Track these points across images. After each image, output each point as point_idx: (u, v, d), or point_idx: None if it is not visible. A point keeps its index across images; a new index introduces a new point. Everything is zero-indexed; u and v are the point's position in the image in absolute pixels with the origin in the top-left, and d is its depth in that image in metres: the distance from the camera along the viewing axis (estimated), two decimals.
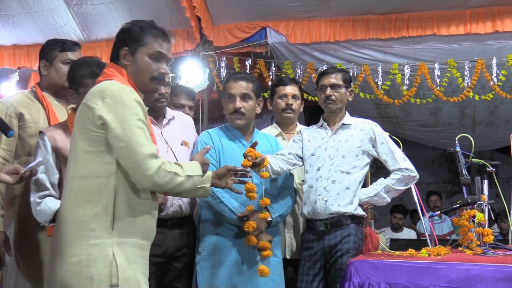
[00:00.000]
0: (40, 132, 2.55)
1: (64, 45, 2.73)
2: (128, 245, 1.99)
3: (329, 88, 3.14)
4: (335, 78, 3.16)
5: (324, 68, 5.69)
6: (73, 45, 2.76)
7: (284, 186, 3.09)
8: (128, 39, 2.13)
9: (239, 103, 2.97)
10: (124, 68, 2.13)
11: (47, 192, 2.47)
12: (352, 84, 3.38)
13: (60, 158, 2.49)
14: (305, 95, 5.61)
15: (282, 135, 3.52)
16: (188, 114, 3.51)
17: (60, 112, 2.69)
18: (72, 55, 2.73)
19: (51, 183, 2.48)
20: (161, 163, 1.99)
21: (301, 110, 3.62)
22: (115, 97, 1.97)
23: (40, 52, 2.80)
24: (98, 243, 1.94)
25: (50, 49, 2.72)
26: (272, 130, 3.55)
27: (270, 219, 2.89)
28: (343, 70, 3.28)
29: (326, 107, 3.19)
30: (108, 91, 1.99)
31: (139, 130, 1.97)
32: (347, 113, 3.21)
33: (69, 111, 2.74)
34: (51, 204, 2.42)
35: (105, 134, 1.97)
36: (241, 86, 2.99)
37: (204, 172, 2.26)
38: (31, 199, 2.45)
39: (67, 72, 2.61)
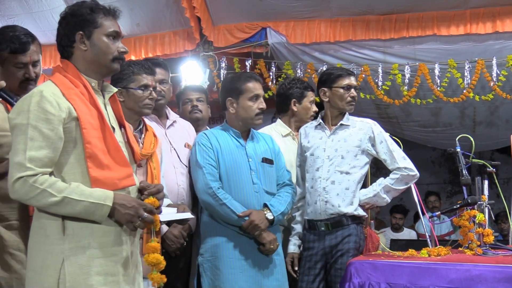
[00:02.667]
0: None
1: (14, 45, 2.33)
2: (81, 249, 1.91)
3: (353, 89, 3.14)
4: (355, 81, 3.20)
5: (325, 68, 5.71)
6: (24, 44, 2.36)
7: (282, 184, 3.09)
8: (81, 22, 1.99)
9: (264, 104, 3.04)
10: (80, 56, 2.00)
11: None
12: None
13: None
14: None
15: (292, 135, 3.53)
16: (197, 107, 3.49)
17: None
18: (25, 58, 2.36)
19: None
20: (26, 175, 1.82)
21: None
22: (19, 102, 1.92)
23: None
24: (50, 250, 1.90)
25: (0, 50, 2.33)
26: (281, 129, 3.55)
27: (272, 217, 2.89)
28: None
29: (346, 107, 3.16)
30: (22, 98, 1.95)
31: (21, 136, 1.85)
32: (346, 113, 3.21)
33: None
34: None
35: None
36: (261, 87, 3.06)
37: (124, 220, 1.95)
38: None
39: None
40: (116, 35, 2.05)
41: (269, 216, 2.89)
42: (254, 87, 3.01)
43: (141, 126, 2.66)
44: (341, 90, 3.11)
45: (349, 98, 3.12)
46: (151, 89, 2.60)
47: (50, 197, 1.84)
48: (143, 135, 2.64)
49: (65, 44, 2.02)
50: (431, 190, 7.33)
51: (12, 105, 2.23)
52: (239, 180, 2.93)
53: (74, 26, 2.00)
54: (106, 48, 2.01)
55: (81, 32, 1.99)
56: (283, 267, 3.03)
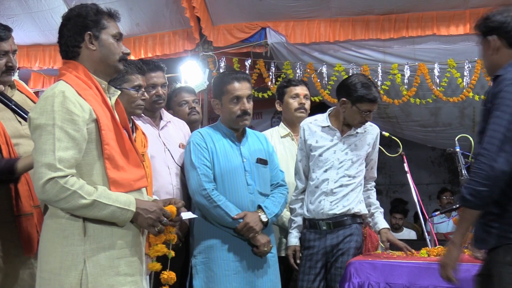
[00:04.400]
0: None
1: None
2: (102, 250, 1.93)
3: (369, 112, 3.01)
4: (376, 107, 3.03)
5: (324, 68, 5.71)
6: (5, 33, 2.35)
7: (276, 184, 3.08)
8: (88, 23, 2.03)
9: (247, 105, 2.95)
10: (86, 56, 2.03)
11: None
12: None
13: None
14: None
15: (291, 135, 3.53)
16: (195, 109, 3.51)
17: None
18: (5, 45, 2.34)
19: None
20: (57, 176, 1.83)
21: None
22: (40, 103, 1.92)
23: None
24: (70, 251, 1.91)
25: None
26: (280, 130, 3.55)
27: (266, 219, 2.89)
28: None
29: (356, 125, 3.09)
30: (40, 97, 1.95)
31: (48, 137, 1.86)
32: None
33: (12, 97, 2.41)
34: None
35: None
36: (246, 87, 2.97)
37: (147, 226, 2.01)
38: None
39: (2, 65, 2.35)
40: (119, 37, 2.09)
41: (264, 218, 2.89)
42: (235, 88, 2.94)
43: (130, 125, 2.66)
44: (361, 112, 3.00)
45: (362, 120, 3.04)
46: (143, 89, 2.60)
47: (81, 199, 1.86)
48: (134, 134, 2.64)
49: (71, 44, 2.04)
50: (446, 187, 7.35)
51: (10, 108, 2.21)
52: (234, 181, 2.91)
53: (82, 26, 2.03)
54: (114, 48, 2.06)
55: (89, 32, 2.02)
56: (277, 267, 3.03)
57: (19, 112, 2.18)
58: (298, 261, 3.13)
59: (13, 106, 2.16)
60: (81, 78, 2.00)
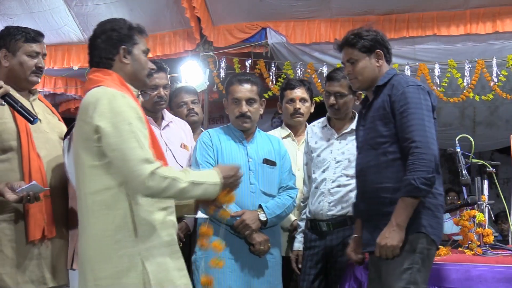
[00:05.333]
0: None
1: (29, 35, 2.47)
2: (155, 248, 1.98)
3: (332, 96, 3.09)
4: (340, 86, 3.09)
5: (325, 68, 5.71)
6: (38, 35, 2.50)
7: (285, 187, 3.07)
8: (123, 37, 2.10)
9: (245, 108, 2.95)
10: (118, 68, 2.09)
11: None
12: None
13: None
14: None
15: (291, 136, 3.53)
16: (193, 110, 3.51)
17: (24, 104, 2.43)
18: (38, 47, 2.48)
19: None
20: (155, 168, 1.90)
21: (312, 110, 3.60)
22: (104, 106, 1.93)
23: (0, 41, 2.48)
24: (125, 253, 1.94)
25: (14, 39, 2.44)
26: (281, 131, 3.56)
27: (265, 219, 2.88)
28: None
29: (330, 114, 3.19)
30: (98, 101, 1.95)
31: (130, 135, 1.91)
32: (356, 118, 3.16)
33: (32, 103, 2.54)
34: None
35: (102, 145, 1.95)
36: (247, 90, 2.97)
37: (232, 186, 2.14)
38: None
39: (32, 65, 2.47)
40: (147, 53, 2.19)
41: (262, 217, 2.88)
42: (236, 90, 2.96)
43: None
44: (328, 95, 3.11)
45: (330, 103, 3.10)
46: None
47: (180, 183, 1.94)
48: None
49: (105, 56, 2.09)
50: (451, 187, 7.35)
51: (16, 109, 2.22)
52: None
53: (117, 40, 2.09)
54: (144, 63, 2.15)
55: (124, 47, 2.09)
56: (278, 269, 3.00)
57: (24, 114, 2.19)
58: (300, 266, 3.14)
59: (19, 108, 2.17)
60: (118, 85, 2.05)
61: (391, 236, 2.26)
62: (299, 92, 3.49)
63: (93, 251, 1.98)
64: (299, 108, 3.47)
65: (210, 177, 2.04)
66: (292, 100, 3.48)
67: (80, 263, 2.05)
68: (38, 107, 2.58)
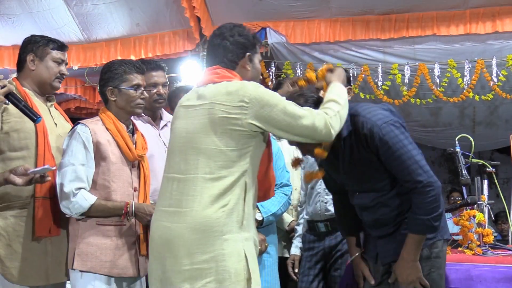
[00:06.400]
0: (79, 122, 2.50)
1: (57, 44, 2.67)
2: (250, 240, 2.05)
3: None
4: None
5: None
6: (64, 45, 2.72)
7: (279, 185, 3.06)
8: (248, 45, 2.21)
9: None
10: (239, 72, 2.18)
11: (83, 185, 2.42)
12: (351, 84, 3.36)
13: (100, 153, 2.46)
14: None
15: None
16: None
17: (41, 108, 2.57)
18: (63, 56, 2.68)
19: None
20: (324, 115, 2.03)
21: None
22: (259, 98, 2.02)
23: (28, 45, 2.65)
24: (230, 238, 1.98)
25: (43, 45, 2.63)
26: None
27: (261, 218, 2.87)
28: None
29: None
30: (249, 95, 2.02)
31: (292, 105, 2.05)
32: None
33: (50, 108, 2.66)
34: (88, 197, 2.40)
35: (258, 133, 2.03)
36: None
37: None
38: (65, 188, 2.39)
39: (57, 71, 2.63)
40: (260, 62, 2.32)
41: (258, 216, 2.86)
42: None
43: (131, 127, 2.66)
44: None
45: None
46: (142, 88, 2.60)
47: (342, 111, 2.09)
48: (135, 136, 2.64)
49: (231, 58, 2.19)
50: (454, 187, 7.35)
51: (19, 108, 2.22)
52: None
53: (245, 46, 2.21)
54: (259, 72, 2.31)
55: (249, 53, 2.21)
56: (275, 268, 3.00)
57: (28, 112, 2.21)
58: (296, 270, 3.13)
59: (23, 107, 2.19)
60: None
61: (412, 271, 2.19)
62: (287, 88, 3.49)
63: (195, 234, 1.97)
64: None
65: (344, 91, 2.17)
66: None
67: (163, 249, 2.03)
68: (54, 112, 2.70)
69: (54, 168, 2.35)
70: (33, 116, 2.22)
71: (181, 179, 2.06)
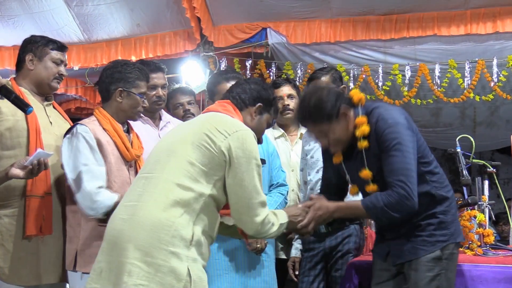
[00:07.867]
0: (77, 123, 2.49)
1: (57, 44, 2.67)
2: (199, 262, 2.00)
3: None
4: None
5: None
6: (64, 46, 2.71)
7: (276, 184, 3.06)
8: (264, 100, 2.31)
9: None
10: (245, 115, 2.27)
11: (102, 183, 2.40)
12: (343, 83, 3.35)
13: (102, 153, 2.45)
14: None
15: (285, 136, 3.52)
16: (189, 111, 3.50)
17: (36, 106, 2.53)
18: (62, 57, 2.67)
19: None
20: (268, 214, 2.10)
21: None
22: (243, 139, 2.07)
23: (27, 45, 2.64)
24: (176, 253, 1.92)
25: (42, 45, 2.62)
26: (274, 132, 3.55)
27: None
28: (330, 70, 3.23)
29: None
30: (237, 131, 2.07)
31: (258, 177, 2.09)
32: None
33: (46, 107, 2.65)
34: (110, 195, 2.37)
35: (225, 166, 2.05)
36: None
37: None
38: (86, 189, 2.35)
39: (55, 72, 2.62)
40: None
41: None
42: (225, 88, 2.88)
43: (126, 127, 2.66)
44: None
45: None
46: (145, 96, 2.63)
47: (274, 227, 2.16)
48: (131, 135, 2.64)
49: (243, 101, 2.30)
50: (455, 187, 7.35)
51: (10, 99, 2.23)
52: None
53: (258, 98, 2.31)
54: (263, 130, 2.38)
55: (260, 104, 2.30)
56: (272, 268, 3.00)
57: (18, 103, 2.22)
58: (297, 272, 3.13)
59: (13, 98, 2.20)
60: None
61: (324, 220, 2.38)
62: (286, 90, 3.49)
63: (146, 234, 1.93)
64: (288, 104, 3.46)
65: (285, 218, 2.23)
66: (281, 98, 3.48)
67: (112, 240, 1.99)
68: (51, 112, 2.68)
69: (51, 153, 2.33)
70: (24, 107, 2.22)
71: (148, 177, 2.06)
